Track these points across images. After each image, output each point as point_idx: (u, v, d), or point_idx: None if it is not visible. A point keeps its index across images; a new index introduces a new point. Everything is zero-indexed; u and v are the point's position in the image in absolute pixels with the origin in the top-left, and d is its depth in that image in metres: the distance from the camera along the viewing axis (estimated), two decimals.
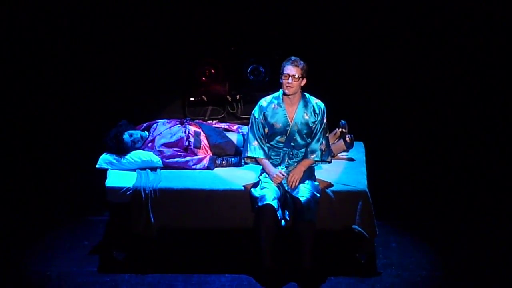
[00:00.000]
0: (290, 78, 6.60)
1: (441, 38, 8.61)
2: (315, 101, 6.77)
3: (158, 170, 7.07)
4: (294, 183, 6.68)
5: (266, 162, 6.77)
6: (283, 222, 6.56)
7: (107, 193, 6.83)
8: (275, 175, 6.69)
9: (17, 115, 8.70)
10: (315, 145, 6.75)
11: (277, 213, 6.50)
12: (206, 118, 8.81)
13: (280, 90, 6.74)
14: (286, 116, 6.73)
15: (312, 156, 6.75)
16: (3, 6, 8.51)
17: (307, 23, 8.65)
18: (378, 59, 8.68)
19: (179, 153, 7.19)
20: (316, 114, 6.74)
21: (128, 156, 7.12)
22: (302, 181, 6.69)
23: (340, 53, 8.70)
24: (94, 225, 7.58)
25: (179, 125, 7.42)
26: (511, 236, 7.31)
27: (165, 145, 7.23)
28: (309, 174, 6.77)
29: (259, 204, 6.53)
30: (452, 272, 6.69)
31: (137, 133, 7.26)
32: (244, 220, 6.72)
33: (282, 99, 6.75)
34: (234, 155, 7.31)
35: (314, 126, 6.75)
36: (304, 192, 6.57)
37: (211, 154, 7.28)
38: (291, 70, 6.60)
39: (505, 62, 8.59)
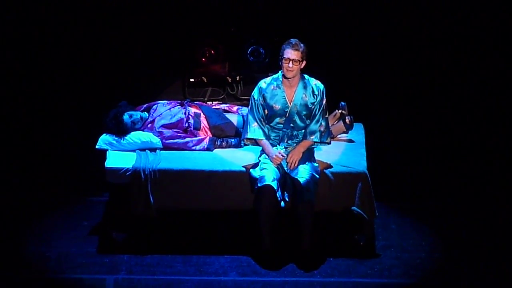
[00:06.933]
0: (291, 62, 6.58)
1: (442, 24, 8.59)
2: (314, 82, 6.75)
3: (157, 151, 7.06)
4: (293, 164, 6.67)
5: (266, 143, 6.76)
6: (282, 203, 6.55)
7: (106, 174, 6.82)
8: (274, 156, 6.68)
9: (17, 96, 8.68)
10: (314, 126, 6.74)
11: (277, 194, 6.50)
12: (205, 99, 8.80)
13: (280, 71, 6.72)
14: (285, 98, 6.72)
15: (311, 137, 6.74)
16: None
17: (307, 4, 8.61)
18: (379, 40, 8.66)
19: (178, 134, 7.19)
20: (315, 95, 6.73)
21: (127, 137, 7.10)
22: (301, 162, 6.68)
23: (340, 35, 8.68)
24: (93, 205, 7.57)
25: (179, 107, 7.40)
26: (511, 218, 7.32)
27: (164, 126, 7.22)
28: (308, 156, 6.76)
29: (259, 185, 6.52)
30: (451, 254, 6.70)
31: (136, 114, 7.25)
32: (243, 201, 6.72)
33: (282, 80, 6.73)
34: (234, 136, 7.29)
35: (313, 107, 6.73)
36: (303, 173, 6.56)
37: (210, 135, 7.26)
38: (292, 54, 6.57)
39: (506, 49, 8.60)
